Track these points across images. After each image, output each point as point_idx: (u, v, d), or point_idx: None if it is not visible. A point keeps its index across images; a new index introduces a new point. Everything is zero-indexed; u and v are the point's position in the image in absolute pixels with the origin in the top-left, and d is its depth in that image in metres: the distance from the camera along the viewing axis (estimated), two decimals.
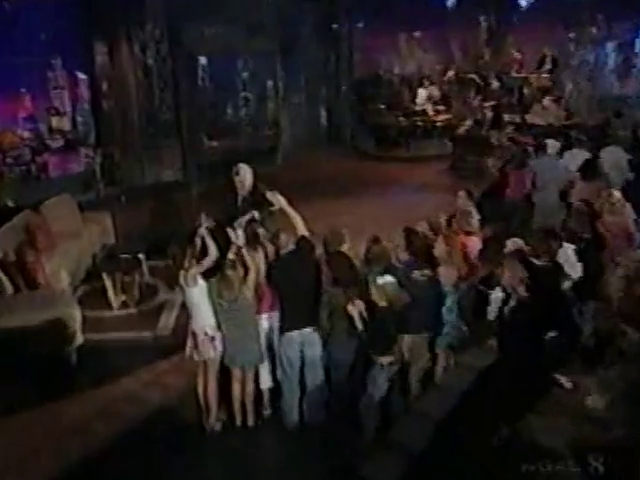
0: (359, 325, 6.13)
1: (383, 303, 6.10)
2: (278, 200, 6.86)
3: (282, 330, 6.48)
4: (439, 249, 6.93)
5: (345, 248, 6.68)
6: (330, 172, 16.43)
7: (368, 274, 6.36)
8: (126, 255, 9.74)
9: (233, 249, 6.38)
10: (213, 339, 6.43)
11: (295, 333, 6.46)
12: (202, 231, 6.46)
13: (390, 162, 17.48)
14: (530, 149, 11.42)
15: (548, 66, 18.71)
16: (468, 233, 7.72)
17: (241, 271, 6.27)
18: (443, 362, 6.97)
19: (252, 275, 6.37)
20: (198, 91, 16.30)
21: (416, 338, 6.64)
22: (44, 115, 14.64)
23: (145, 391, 7.42)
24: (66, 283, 8.84)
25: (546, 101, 16.52)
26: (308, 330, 6.46)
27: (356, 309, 6.09)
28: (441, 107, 19.35)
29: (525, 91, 18.54)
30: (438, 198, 13.02)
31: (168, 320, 8.89)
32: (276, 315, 6.57)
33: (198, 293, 6.33)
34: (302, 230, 6.59)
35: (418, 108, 19.30)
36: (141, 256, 9.80)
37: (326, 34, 19.67)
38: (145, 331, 8.69)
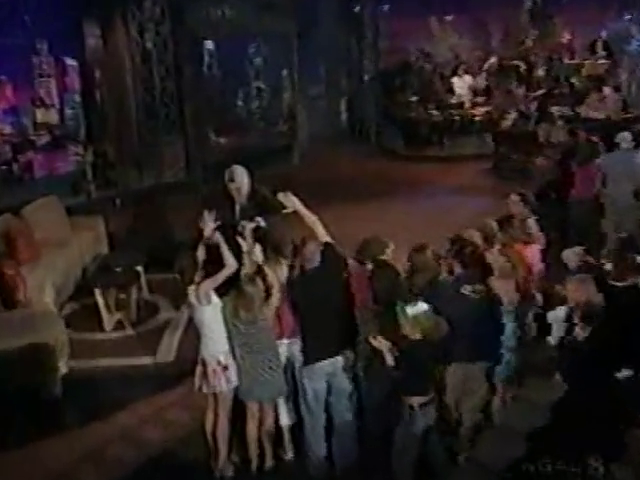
0: (389, 360, 5.81)
1: (417, 336, 5.76)
2: (292, 202, 6.65)
3: (307, 360, 6.25)
4: (496, 260, 6.60)
5: (389, 257, 6.51)
6: (353, 173, 16.43)
7: (395, 302, 6.03)
8: (122, 267, 9.64)
9: (248, 261, 6.25)
10: (226, 368, 6.21)
11: (323, 363, 6.22)
12: (217, 236, 6.28)
13: (421, 162, 17.47)
14: (598, 142, 11.05)
15: (602, 52, 18.53)
16: (526, 242, 7.51)
17: (262, 287, 6.04)
18: (501, 397, 6.62)
19: (275, 292, 6.14)
20: (204, 80, 16.32)
21: (468, 368, 6.28)
22: (28, 107, 14.60)
23: (143, 429, 7.26)
24: (51, 300, 8.65)
25: (607, 90, 16.15)
26: (338, 359, 6.24)
27: (385, 346, 5.82)
28: (480, 99, 19.17)
29: (575, 80, 18.25)
30: (478, 202, 13.08)
31: (171, 344, 8.78)
32: (297, 341, 6.38)
33: (211, 313, 6.14)
34: (323, 236, 6.42)
35: (455, 100, 19.12)
36: (139, 268, 9.67)
37: (347, 17, 19.68)
38: (144, 357, 8.54)
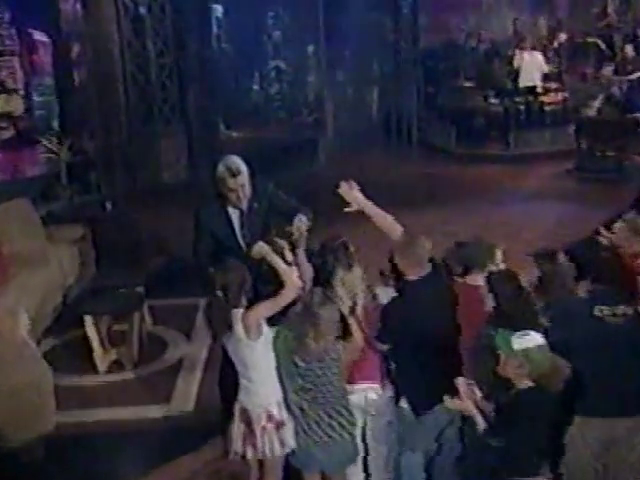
0: (480, 422, 5.36)
1: (526, 382, 5.19)
2: (356, 198, 6.49)
3: (418, 411, 5.99)
4: None
5: (500, 264, 6.34)
6: (394, 176, 16.61)
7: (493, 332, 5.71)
8: (118, 289, 9.36)
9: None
10: (281, 425, 5.87)
11: (435, 411, 5.93)
12: (282, 243, 6.29)
13: (480, 162, 17.83)
14: None
15: None
16: None
17: (335, 311, 5.74)
18: None
19: (357, 319, 5.94)
20: (212, 56, 16.33)
21: (619, 425, 5.65)
22: None
23: None
24: (26, 332, 7.79)
25: None
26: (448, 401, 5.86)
27: (467, 406, 5.46)
28: (553, 84, 19.26)
29: None
30: (561, 209, 13.25)
31: (188, 390, 8.44)
32: (377, 387, 6.16)
33: (262, 348, 5.87)
34: None
35: (522, 84, 18.93)
36: (140, 290, 9.40)
37: None
38: (152, 407, 8.17)
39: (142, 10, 14.73)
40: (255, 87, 17.26)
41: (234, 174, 6.86)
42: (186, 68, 15.38)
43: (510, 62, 19.64)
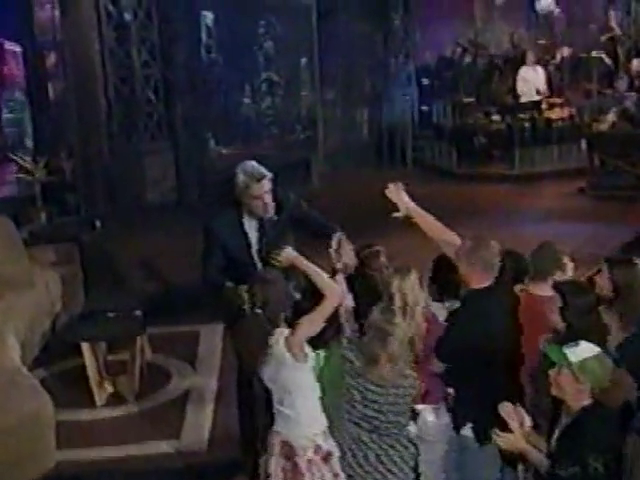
0: (536, 460, 5.14)
1: (584, 398, 4.93)
2: (404, 201, 6.31)
3: (481, 439, 5.68)
4: None
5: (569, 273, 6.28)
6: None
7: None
8: (116, 313, 9.09)
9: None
10: (328, 456, 5.64)
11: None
12: (289, 251, 6.08)
13: (483, 182, 17.49)
14: None
15: None
16: None
17: (406, 328, 5.58)
18: None
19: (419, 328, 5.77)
20: (201, 67, 16.32)
21: None
22: None
23: None
24: (17, 356, 8.01)
25: None
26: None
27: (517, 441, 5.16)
28: (557, 99, 19.07)
29: None
30: (575, 230, 12.80)
31: (200, 423, 8.23)
32: (433, 409, 6.02)
33: (307, 373, 5.70)
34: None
35: (524, 100, 18.81)
36: (138, 313, 9.14)
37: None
38: (161, 442, 7.96)
39: (127, 16, 14.69)
40: (246, 100, 17.21)
41: (258, 179, 6.63)
42: (173, 80, 15.24)
43: (513, 77, 19.48)
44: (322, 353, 5.76)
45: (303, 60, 17.83)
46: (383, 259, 6.47)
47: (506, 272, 6.00)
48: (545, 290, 5.94)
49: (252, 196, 6.61)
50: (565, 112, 18.56)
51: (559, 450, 4.94)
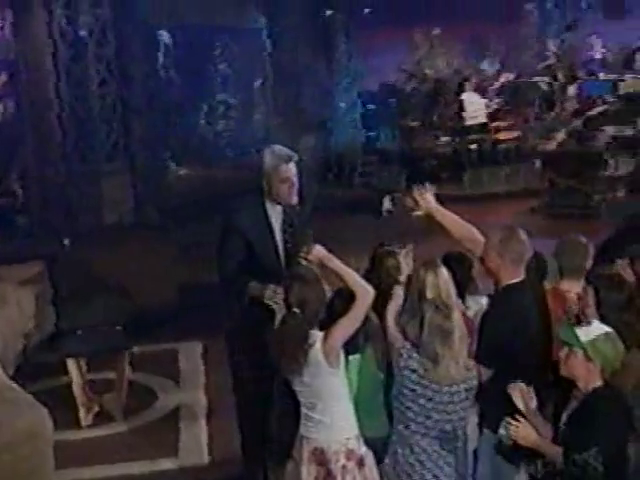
0: (549, 452, 5.03)
1: (595, 380, 4.89)
2: (429, 201, 6.16)
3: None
4: None
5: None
6: (343, 225, 16.22)
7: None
8: (97, 328, 9.01)
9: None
10: (362, 461, 5.59)
11: None
12: (318, 249, 5.86)
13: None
14: None
15: None
16: None
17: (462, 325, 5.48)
18: None
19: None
20: (159, 86, 16.30)
21: None
22: None
23: None
24: (2, 373, 7.55)
25: None
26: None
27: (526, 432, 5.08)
28: (502, 123, 19.56)
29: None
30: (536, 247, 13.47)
31: (196, 439, 8.21)
32: None
33: (341, 377, 5.66)
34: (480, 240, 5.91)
35: (470, 122, 18.95)
36: (119, 329, 9.05)
37: (313, 25, 19.84)
38: (159, 461, 7.86)
39: (82, 32, 14.49)
40: (202, 121, 17.14)
41: (286, 160, 6.48)
42: (131, 98, 15.16)
43: (457, 101, 19.60)
44: (353, 357, 5.68)
45: (257, 82, 17.96)
46: (394, 261, 6.17)
47: (532, 271, 5.83)
48: (575, 287, 5.89)
49: (280, 179, 6.46)
50: (513, 133, 18.91)
51: (570, 434, 4.90)
